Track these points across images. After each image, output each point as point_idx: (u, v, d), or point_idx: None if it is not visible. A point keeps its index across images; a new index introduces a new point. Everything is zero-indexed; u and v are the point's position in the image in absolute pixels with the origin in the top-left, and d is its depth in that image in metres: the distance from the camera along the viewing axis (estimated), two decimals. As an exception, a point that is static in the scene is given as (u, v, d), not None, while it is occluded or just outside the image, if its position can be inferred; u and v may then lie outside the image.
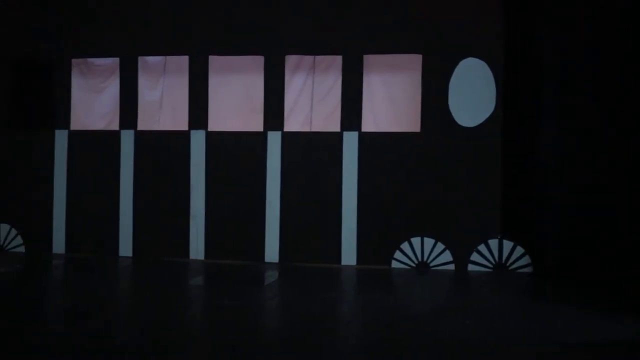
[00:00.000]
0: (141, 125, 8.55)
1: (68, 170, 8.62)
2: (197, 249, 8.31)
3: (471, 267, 7.78)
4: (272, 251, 8.14)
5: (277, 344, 4.82)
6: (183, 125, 8.42)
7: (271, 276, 7.38)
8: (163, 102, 8.74)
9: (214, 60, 8.42)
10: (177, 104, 8.60)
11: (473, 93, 7.80)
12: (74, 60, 8.73)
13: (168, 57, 8.65)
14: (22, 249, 8.74)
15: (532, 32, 7.64)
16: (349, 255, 7.98)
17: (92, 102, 8.82)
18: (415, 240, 7.89)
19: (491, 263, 7.75)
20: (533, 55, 7.60)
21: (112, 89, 8.78)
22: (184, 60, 8.46)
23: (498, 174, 7.73)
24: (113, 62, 8.69)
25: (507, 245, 7.73)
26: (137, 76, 8.57)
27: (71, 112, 8.69)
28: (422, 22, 7.92)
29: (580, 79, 7.30)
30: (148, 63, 8.69)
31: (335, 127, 8.08)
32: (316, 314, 5.59)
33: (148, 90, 8.70)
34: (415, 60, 7.99)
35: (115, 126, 8.65)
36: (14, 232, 8.78)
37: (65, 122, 8.67)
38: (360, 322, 5.55)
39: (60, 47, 8.66)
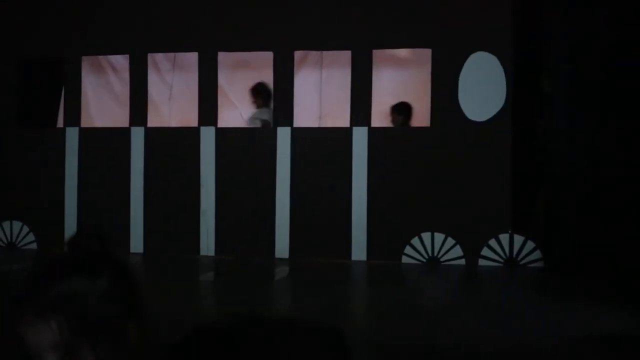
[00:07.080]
0: (151, 122, 8.57)
1: (79, 167, 8.65)
2: (207, 245, 8.32)
3: (482, 262, 7.74)
4: (282, 247, 8.13)
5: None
6: (193, 122, 8.43)
7: (281, 272, 7.38)
8: (172, 99, 8.76)
9: (223, 57, 8.42)
10: (187, 101, 8.61)
11: (483, 87, 7.75)
12: (84, 58, 8.77)
13: (177, 54, 8.66)
14: (34, 246, 8.80)
15: (541, 24, 7.58)
16: (359, 250, 7.97)
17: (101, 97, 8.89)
18: (426, 236, 7.85)
19: (502, 258, 7.71)
20: (542, 48, 7.55)
21: (119, 84, 8.83)
22: (193, 56, 8.46)
23: (508, 168, 7.68)
24: (122, 58, 8.73)
25: (518, 239, 7.68)
26: (147, 73, 8.56)
27: (81, 110, 8.74)
28: (431, 15, 7.88)
29: (591, 72, 7.23)
30: (157, 60, 8.71)
31: (345, 122, 8.05)
32: (326, 309, 5.59)
33: (157, 88, 8.73)
34: (424, 54, 7.95)
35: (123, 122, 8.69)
36: (26, 229, 8.83)
37: (76, 120, 8.70)
38: (370, 318, 5.55)
39: (70, 45, 8.68)
